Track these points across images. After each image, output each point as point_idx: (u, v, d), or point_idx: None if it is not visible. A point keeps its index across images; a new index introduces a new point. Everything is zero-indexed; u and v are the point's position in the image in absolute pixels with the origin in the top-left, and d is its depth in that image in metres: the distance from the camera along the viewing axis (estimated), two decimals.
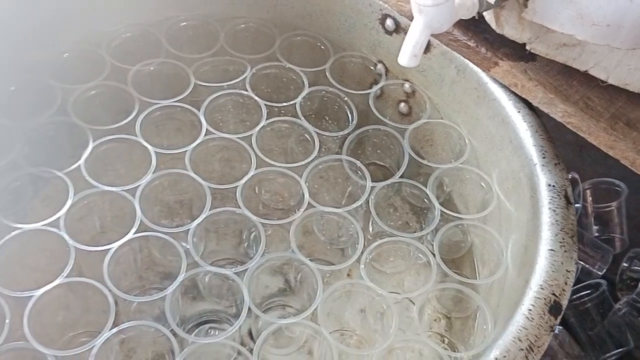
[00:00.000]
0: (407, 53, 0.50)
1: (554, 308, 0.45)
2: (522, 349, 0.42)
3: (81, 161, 0.59)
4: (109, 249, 0.54)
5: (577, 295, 0.76)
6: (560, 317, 0.45)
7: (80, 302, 0.58)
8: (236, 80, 0.68)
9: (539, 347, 0.43)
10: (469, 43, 0.60)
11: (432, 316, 0.67)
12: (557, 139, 0.59)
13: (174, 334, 0.52)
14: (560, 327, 0.75)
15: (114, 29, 0.69)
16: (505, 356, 0.42)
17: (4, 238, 0.53)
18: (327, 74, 0.70)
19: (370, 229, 0.64)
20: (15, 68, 0.63)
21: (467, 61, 0.61)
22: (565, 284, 0.46)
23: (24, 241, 0.56)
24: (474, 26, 0.59)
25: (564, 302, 0.45)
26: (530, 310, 0.44)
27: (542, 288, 0.46)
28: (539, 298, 0.45)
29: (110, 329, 0.50)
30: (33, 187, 0.63)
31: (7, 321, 0.49)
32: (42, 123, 0.61)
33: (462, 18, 0.54)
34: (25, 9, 0.61)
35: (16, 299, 0.51)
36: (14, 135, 0.59)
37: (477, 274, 0.65)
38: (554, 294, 0.45)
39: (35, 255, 0.59)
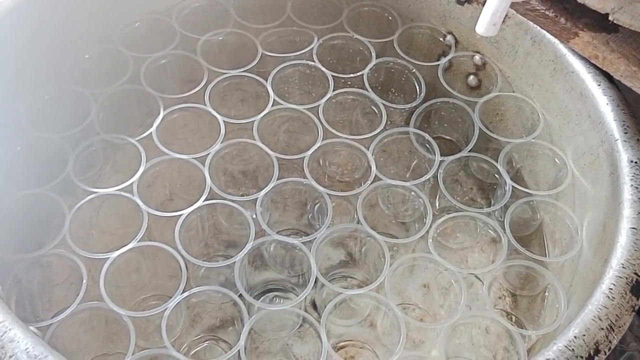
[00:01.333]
0: (486, 21, 0.49)
1: (636, 288, 0.43)
2: (602, 328, 0.41)
3: (153, 129, 0.60)
4: (180, 215, 0.55)
5: None
6: None
7: (150, 266, 0.59)
8: (303, 51, 0.67)
9: (619, 327, 0.41)
10: (547, 13, 0.57)
11: (497, 293, 0.65)
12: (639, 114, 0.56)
13: (242, 300, 0.52)
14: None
15: None
16: (584, 334, 0.40)
17: (81, 201, 0.55)
18: (394, 45, 0.68)
19: (437, 204, 0.63)
20: (89, 38, 0.64)
21: (544, 32, 0.59)
22: None
23: (97, 205, 0.58)
24: None
25: None
26: (611, 289, 0.43)
27: (623, 267, 0.44)
28: (620, 277, 0.43)
29: (181, 293, 0.51)
30: (104, 153, 0.64)
31: (84, 281, 0.50)
32: (114, 91, 0.62)
33: None
34: None
35: (90, 261, 0.53)
36: (89, 103, 0.61)
37: (546, 252, 0.63)
38: (636, 273, 0.44)
39: (107, 219, 0.61)
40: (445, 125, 0.69)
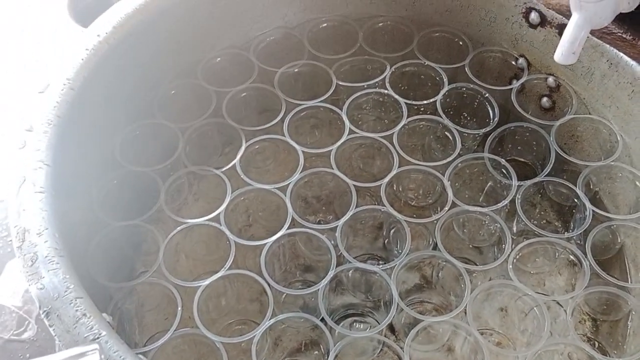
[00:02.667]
0: (565, 50, 0.49)
1: None
2: None
3: (236, 160, 0.63)
4: (265, 243, 0.58)
5: None
6: None
7: (235, 291, 0.62)
8: (376, 80, 0.69)
9: None
10: (624, 36, 0.57)
11: (576, 317, 0.65)
12: None
13: (326, 325, 0.54)
14: None
15: (260, 33, 0.72)
16: None
17: (173, 231, 0.58)
18: (466, 69, 0.69)
19: (514, 228, 0.63)
20: (174, 73, 0.68)
21: (621, 54, 0.59)
22: None
23: (185, 233, 0.61)
24: (630, 18, 0.57)
25: None
26: None
27: None
28: None
29: (269, 319, 0.53)
30: (188, 183, 0.68)
31: (179, 308, 0.53)
32: (199, 125, 0.65)
33: (623, 11, 0.52)
34: (184, 18, 0.66)
35: (181, 288, 0.56)
36: (176, 136, 0.64)
37: (628, 276, 0.62)
38: None
39: (193, 246, 0.64)
40: (519, 148, 0.69)
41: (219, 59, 0.70)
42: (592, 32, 0.59)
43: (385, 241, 0.67)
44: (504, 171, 0.63)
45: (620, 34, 0.57)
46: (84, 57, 0.57)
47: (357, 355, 0.59)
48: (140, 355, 0.42)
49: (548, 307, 0.63)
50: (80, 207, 0.56)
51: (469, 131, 0.65)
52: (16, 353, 0.74)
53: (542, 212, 0.72)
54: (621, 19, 0.57)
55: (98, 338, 0.41)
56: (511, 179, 0.61)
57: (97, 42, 0.59)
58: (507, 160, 0.68)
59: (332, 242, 0.59)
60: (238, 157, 0.63)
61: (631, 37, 0.57)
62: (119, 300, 0.55)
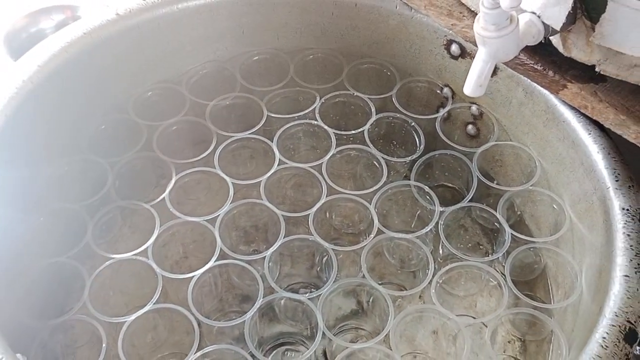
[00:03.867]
0: (472, 83, 0.51)
1: (629, 336, 0.44)
2: None
3: (165, 193, 0.63)
4: (193, 276, 0.58)
5: None
6: (636, 344, 0.44)
7: (167, 324, 0.62)
8: (306, 111, 0.70)
9: None
10: (535, 66, 0.60)
11: (506, 338, 0.67)
12: (635, 159, 0.58)
13: (253, 357, 0.55)
14: None
15: (192, 67, 0.73)
16: None
17: (99, 268, 0.58)
18: (393, 99, 0.71)
19: (441, 252, 0.65)
20: (105, 109, 0.69)
21: (534, 84, 0.61)
22: None
23: (116, 267, 0.61)
24: (541, 49, 0.59)
25: None
26: (604, 338, 0.44)
27: (616, 315, 0.45)
28: (613, 325, 0.45)
29: (195, 352, 0.53)
30: (122, 216, 0.68)
31: (103, 345, 0.53)
32: (130, 159, 0.66)
33: (529, 44, 0.54)
34: (112, 55, 0.67)
35: (110, 323, 0.56)
36: (106, 171, 0.64)
37: (551, 296, 0.64)
38: (629, 321, 0.45)
39: (124, 281, 0.64)
40: (446, 174, 0.71)
41: (150, 93, 0.71)
42: (507, 63, 0.61)
43: (318, 269, 0.68)
44: (428, 197, 0.64)
45: (531, 65, 0.60)
46: (8, 96, 0.57)
47: None
48: None
49: (479, 329, 0.65)
50: (5, 247, 0.56)
51: (394, 159, 0.67)
52: None
53: (474, 235, 0.74)
54: (532, 50, 0.60)
55: None
56: (435, 205, 0.63)
57: (22, 81, 0.59)
58: (436, 186, 0.71)
59: (263, 272, 0.60)
60: (167, 190, 0.63)
61: (542, 67, 0.59)
62: (44, 338, 0.55)
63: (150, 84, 0.71)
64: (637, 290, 0.47)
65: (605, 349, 0.44)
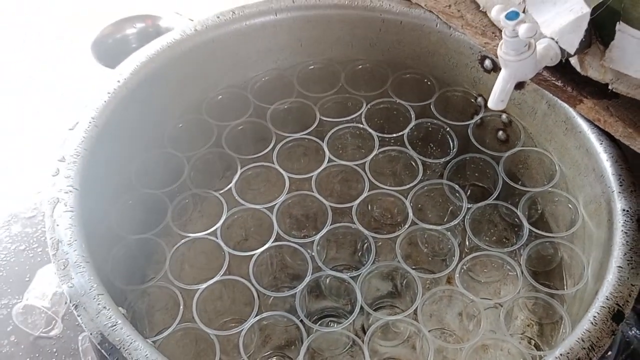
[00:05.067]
0: (495, 98, 0.60)
1: (617, 316, 0.53)
2: (584, 348, 0.51)
3: (232, 184, 0.74)
4: (253, 254, 0.69)
5: None
6: (622, 323, 0.53)
7: (230, 295, 0.73)
8: (354, 115, 0.80)
9: (600, 346, 0.51)
10: (556, 83, 0.68)
11: (525, 322, 0.75)
12: None
13: (302, 324, 0.65)
14: None
15: (256, 74, 0.84)
16: (569, 352, 0.50)
17: (178, 243, 0.70)
18: (431, 107, 0.81)
19: (467, 243, 0.74)
20: (183, 109, 0.80)
21: (556, 98, 0.69)
22: (630, 295, 0.54)
23: (189, 245, 0.72)
24: (562, 68, 0.67)
25: (627, 311, 0.53)
26: (595, 317, 0.53)
27: (607, 299, 0.54)
28: (603, 307, 0.53)
29: (254, 317, 0.64)
30: (193, 202, 0.79)
31: (181, 307, 0.65)
32: (202, 153, 0.78)
33: (548, 65, 0.62)
34: (190, 64, 0.78)
35: (184, 291, 0.67)
36: (183, 163, 0.76)
37: (565, 286, 0.72)
38: (617, 304, 0.53)
39: (196, 256, 0.75)
40: (476, 174, 0.80)
41: (220, 96, 0.82)
42: (532, 79, 0.69)
43: (359, 254, 0.78)
44: (457, 195, 0.73)
45: (553, 81, 0.68)
46: (106, 99, 0.70)
47: (331, 349, 0.70)
48: (148, 340, 0.53)
49: (499, 313, 0.74)
50: (102, 222, 0.68)
51: (430, 160, 0.76)
52: (45, 348, 0.86)
53: (502, 231, 0.82)
54: (554, 69, 0.67)
55: (114, 325, 0.52)
56: (462, 202, 0.72)
57: (117, 87, 0.71)
58: (469, 185, 0.79)
59: (312, 254, 0.71)
60: (233, 181, 0.75)
61: (562, 84, 0.67)
62: (132, 301, 0.67)
63: (220, 88, 0.83)
64: (627, 279, 0.55)
65: (595, 325, 0.52)
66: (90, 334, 0.52)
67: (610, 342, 0.52)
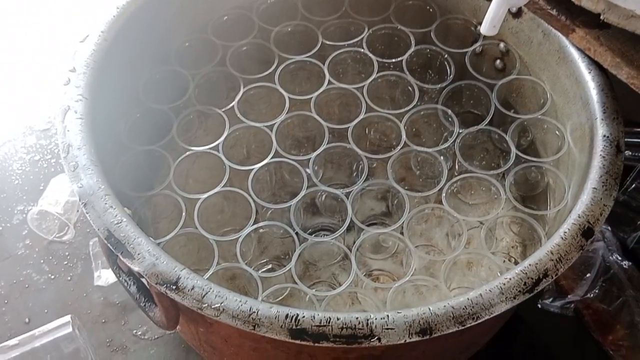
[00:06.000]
0: (487, 24, 0.62)
1: (587, 232, 0.56)
2: (552, 260, 0.55)
3: (234, 102, 0.78)
4: (252, 169, 0.73)
5: None
6: (592, 239, 0.57)
7: (231, 208, 0.78)
8: (355, 40, 0.82)
9: (567, 259, 0.55)
10: (551, 12, 0.69)
11: (510, 243, 0.79)
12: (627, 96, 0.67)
13: (297, 236, 0.70)
14: (630, 263, 0.84)
15: None
16: (537, 263, 0.55)
17: (181, 156, 0.74)
18: (432, 34, 0.82)
19: (456, 167, 0.77)
20: (189, 29, 0.83)
21: (550, 27, 0.71)
22: (601, 215, 0.57)
23: (193, 160, 0.76)
24: None
25: (597, 229, 0.57)
26: (565, 232, 0.56)
27: (579, 217, 0.57)
28: (574, 224, 0.57)
29: (251, 225, 0.69)
30: (198, 120, 0.83)
31: (183, 214, 0.69)
32: (207, 72, 0.80)
33: None
34: None
35: (187, 201, 0.72)
36: (188, 81, 0.79)
37: (548, 207, 0.76)
38: (588, 222, 0.57)
39: (200, 171, 0.80)
40: (471, 101, 0.82)
41: (225, 17, 0.85)
42: (528, 7, 0.71)
43: (354, 175, 0.82)
44: (450, 119, 0.76)
45: (548, 10, 0.69)
46: (115, 14, 0.72)
47: (324, 259, 0.75)
48: (151, 238, 0.58)
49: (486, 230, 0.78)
50: (111, 132, 0.72)
51: (426, 86, 0.79)
52: (57, 252, 0.92)
53: (494, 156, 0.85)
54: None
55: (120, 223, 0.57)
56: (454, 126, 0.75)
57: (126, 2, 0.73)
58: (464, 112, 0.82)
59: (309, 172, 0.75)
60: (236, 99, 0.78)
61: (556, 12, 0.68)
62: (138, 208, 0.72)
63: (226, 9, 0.85)
64: (600, 199, 0.58)
65: (565, 240, 0.56)
66: (98, 229, 0.57)
67: (577, 256, 0.56)
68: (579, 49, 0.69)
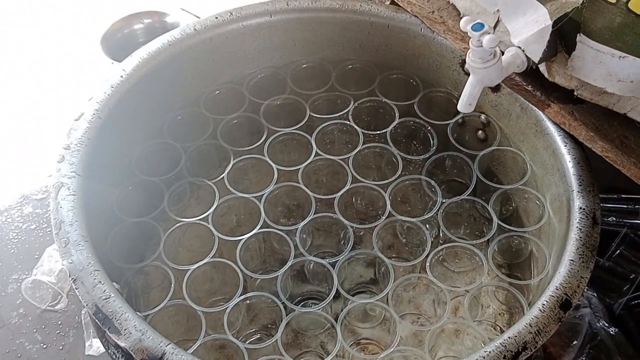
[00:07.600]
0: (464, 102, 0.65)
1: (565, 305, 0.58)
2: (531, 332, 0.56)
3: (224, 173, 0.80)
4: (241, 239, 0.75)
5: (637, 302, 0.85)
6: (569, 311, 0.58)
7: (221, 277, 0.79)
8: (341, 113, 0.86)
9: (546, 332, 0.56)
10: (527, 87, 0.72)
11: (496, 311, 0.80)
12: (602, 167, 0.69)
13: (284, 306, 0.71)
14: (617, 329, 0.84)
15: (252, 71, 0.90)
16: (516, 336, 0.56)
17: (172, 227, 0.76)
18: (415, 106, 0.86)
19: (441, 235, 0.79)
20: (182, 102, 0.86)
21: (527, 101, 0.74)
22: (578, 286, 0.59)
23: (184, 229, 0.78)
24: (532, 73, 0.72)
25: (574, 301, 0.58)
26: (543, 304, 0.58)
27: (557, 289, 0.59)
28: (552, 296, 0.58)
29: (239, 296, 0.70)
30: (190, 190, 0.85)
31: (172, 285, 0.70)
32: (199, 144, 0.83)
33: (516, 72, 0.67)
34: (190, 61, 0.84)
35: (177, 271, 0.73)
36: (180, 153, 0.82)
37: (532, 275, 0.77)
38: (566, 294, 0.58)
39: (190, 240, 0.81)
40: (455, 171, 0.85)
41: (217, 91, 0.88)
42: (506, 83, 0.74)
43: (342, 243, 0.83)
44: (433, 189, 0.79)
45: (524, 86, 0.72)
46: (109, 92, 0.76)
47: (311, 328, 0.76)
48: (137, 312, 0.59)
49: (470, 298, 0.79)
50: (103, 206, 0.74)
51: (409, 157, 0.81)
52: (50, 321, 0.93)
53: (480, 224, 0.87)
54: (524, 74, 0.72)
55: (108, 298, 0.58)
56: (437, 196, 0.77)
57: (120, 81, 0.77)
58: (448, 180, 0.84)
59: (297, 241, 0.76)
60: (226, 171, 0.80)
61: (532, 88, 0.72)
62: (129, 278, 0.73)
63: (217, 84, 0.89)
64: (577, 272, 0.60)
65: (543, 312, 0.57)
66: (86, 305, 0.59)
67: (555, 329, 0.57)
68: (555, 123, 0.72)
